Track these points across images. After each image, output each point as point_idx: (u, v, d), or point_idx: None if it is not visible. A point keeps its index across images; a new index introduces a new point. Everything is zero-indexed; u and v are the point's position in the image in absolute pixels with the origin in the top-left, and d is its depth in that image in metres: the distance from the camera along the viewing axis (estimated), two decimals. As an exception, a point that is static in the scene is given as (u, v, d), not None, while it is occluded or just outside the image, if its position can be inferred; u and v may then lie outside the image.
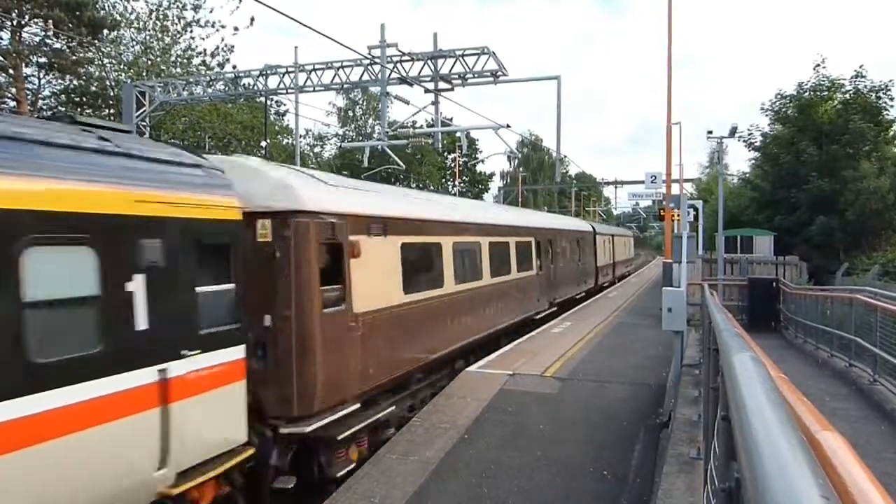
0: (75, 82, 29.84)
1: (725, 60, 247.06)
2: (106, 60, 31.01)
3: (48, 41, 27.40)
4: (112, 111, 29.94)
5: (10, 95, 26.54)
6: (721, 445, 2.74)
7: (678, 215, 16.22)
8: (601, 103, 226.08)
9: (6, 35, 26.20)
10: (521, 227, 16.74)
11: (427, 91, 18.79)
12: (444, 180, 60.47)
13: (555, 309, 19.40)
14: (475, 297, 12.57)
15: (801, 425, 2.09)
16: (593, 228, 29.11)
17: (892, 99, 32.63)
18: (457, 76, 18.20)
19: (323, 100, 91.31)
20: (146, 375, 5.13)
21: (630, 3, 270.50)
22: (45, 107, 29.60)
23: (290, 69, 20.72)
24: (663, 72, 21.80)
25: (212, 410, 5.83)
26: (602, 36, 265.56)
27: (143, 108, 21.80)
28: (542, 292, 18.10)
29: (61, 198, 4.58)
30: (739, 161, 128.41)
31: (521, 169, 73.16)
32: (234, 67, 31.90)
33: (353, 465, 7.75)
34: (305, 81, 20.34)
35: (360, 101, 58.46)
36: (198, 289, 5.79)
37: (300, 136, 44.12)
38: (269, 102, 33.15)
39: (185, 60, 33.20)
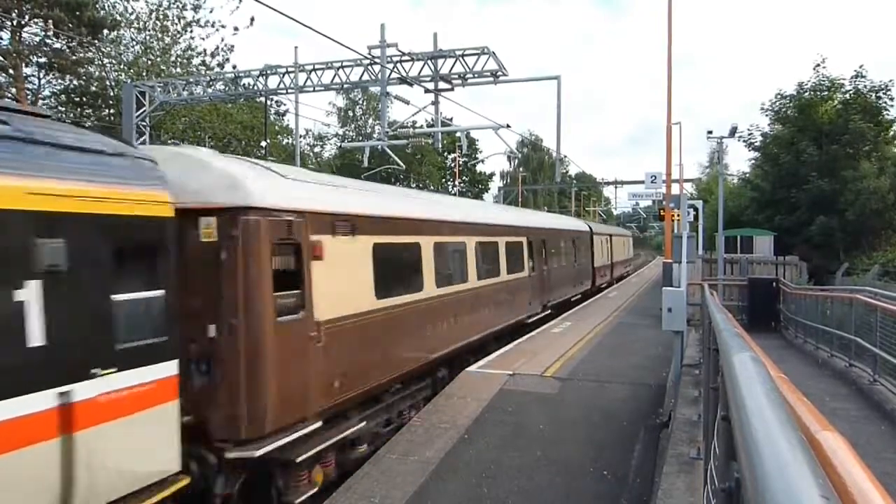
0: (75, 82, 29.87)
1: (725, 60, 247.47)
2: (106, 60, 31.05)
3: (48, 41, 27.44)
4: (112, 111, 29.97)
5: (10, 95, 26.53)
6: (721, 445, 2.74)
7: (678, 215, 16.22)
8: (601, 103, 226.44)
9: (6, 35, 26.27)
10: (511, 227, 16.00)
11: (427, 91, 18.78)
12: (444, 180, 60.48)
13: (548, 312, 18.71)
14: (459, 302, 11.73)
15: (801, 425, 2.09)
16: (590, 228, 28.64)
17: (892, 99, 32.67)
18: (457, 76, 18.20)
19: (323, 100, 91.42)
20: (42, 400, 4.38)
21: (630, 3, 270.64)
22: (44, 107, 29.60)
23: (290, 69, 20.72)
24: (663, 72, 21.81)
25: (134, 437, 5.14)
26: (602, 36, 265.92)
27: (143, 108, 21.79)
28: (534, 295, 17.29)
29: None
30: (739, 161, 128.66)
31: (521, 169, 73.19)
32: (234, 67, 31.96)
33: (316, 489, 7.10)
34: (305, 81, 20.35)
35: (360, 101, 58.49)
36: (115, 297, 5.05)
37: (300, 136, 44.19)
38: (269, 102, 33.14)
39: (185, 60, 33.24)
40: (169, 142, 27.50)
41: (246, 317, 6.20)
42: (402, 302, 9.36)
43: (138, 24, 31.86)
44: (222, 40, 36.46)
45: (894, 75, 62.29)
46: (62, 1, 25.56)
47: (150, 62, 31.71)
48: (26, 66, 27.15)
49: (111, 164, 5.29)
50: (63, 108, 30.50)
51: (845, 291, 15.65)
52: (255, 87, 22.00)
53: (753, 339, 5.28)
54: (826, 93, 33.97)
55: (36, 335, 4.40)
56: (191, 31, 32.93)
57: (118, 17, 30.38)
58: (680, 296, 10.61)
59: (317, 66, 20.01)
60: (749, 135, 36.93)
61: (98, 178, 5.04)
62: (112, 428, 4.91)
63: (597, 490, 6.73)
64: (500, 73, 17.88)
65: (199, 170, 6.45)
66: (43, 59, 27.74)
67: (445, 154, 55.98)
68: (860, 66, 36.31)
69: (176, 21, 32.46)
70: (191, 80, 23.93)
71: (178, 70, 31.66)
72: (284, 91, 21.61)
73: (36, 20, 26.77)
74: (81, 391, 4.67)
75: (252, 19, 32.79)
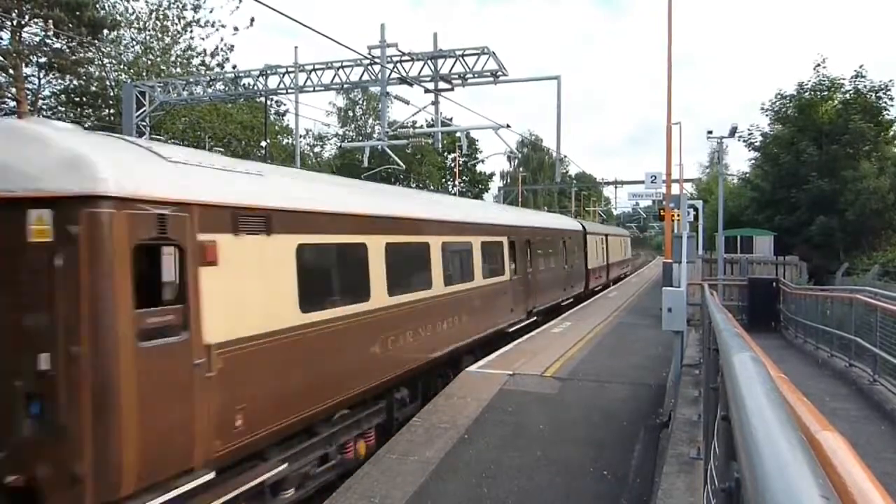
0: (75, 82, 29.88)
1: (725, 60, 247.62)
2: (106, 60, 31.07)
3: (48, 41, 27.44)
4: (112, 111, 29.99)
5: (10, 95, 26.56)
6: (721, 445, 2.74)
7: (678, 215, 16.23)
8: (601, 103, 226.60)
9: (6, 35, 26.27)
10: (488, 225, 14.28)
11: (427, 91, 18.80)
12: (444, 180, 60.51)
13: (534, 319, 17.24)
14: (420, 312, 10.11)
15: (801, 425, 2.09)
16: (583, 227, 27.32)
17: (892, 99, 32.72)
18: (457, 76, 18.22)
19: (323, 100, 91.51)
20: None
21: (630, 3, 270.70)
22: (45, 107, 29.65)
23: (290, 69, 20.74)
24: (663, 72, 21.82)
25: None
26: (602, 36, 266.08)
27: (143, 108, 21.80)
28: (517, 300, 15.70)
29: None
30: (739, 161, 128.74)
31: (521, 169, 73.27)
32: (234, 67, 31.97)
33: None
34: (305, 81, 20.36)
35: (360, 101, 58.54)
36: None
37: (300, 136, 44.22)
38: (269, 102, 33.16)
39: (184, 60, 33.26)
40: (169, 142, 27.53)
41: (92, 342, 4.74)
42: (340, 315, 7.75)
43: (138, 24, 31.92)
44: (222, 40, 36.46)
45: (894, 75, 62.41)
46: (62, 1, 25.57)
47: (150, 62, 31.74)
48: (26, 66, 27.16)
49: None
50: (63, 108, 30.54)
51: (845, 291, 15.66)
52: (255, 87, 22.01)
53: (753, 339, 5.29)
54: (826, 93, 34.01)
55: None
56: (191, 31, 32.99)
57: (118, 17, 30.41)
58: (680, 296, 10.61)
59: (317, 66, 20.03)
60: (749, 135, 37.05)
61: None
62: None
63: (597, 490, 6.73)
64: (500, 73, 17.89)
65: (32, 146, 4.98)
66: (43, 59, 27.74)
67: (445, 154, 56.00)
68: (860, 66, 36.39)
69: (176, 21, 32.51)
70: (191, 80, 23.95)
71: (178, 70, 31.69)
72: (284, 91, 21.63)
73: (36, 20, 26.78)
74: None
75: (252, 19, 32.85)
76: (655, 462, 7.18)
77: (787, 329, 20.29)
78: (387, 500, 6.50)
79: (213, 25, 32.96)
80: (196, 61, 33.36)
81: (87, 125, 26.37)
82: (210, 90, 23.21)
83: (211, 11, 49.66)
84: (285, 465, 6.77)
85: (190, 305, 5.45)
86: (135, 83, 23.45)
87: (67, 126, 5.88)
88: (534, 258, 17.74)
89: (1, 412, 4.72)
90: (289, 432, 6.87)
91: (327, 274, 7.94)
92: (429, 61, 18.23)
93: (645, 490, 6.57)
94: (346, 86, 20.90)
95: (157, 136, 26.37)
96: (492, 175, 70.49)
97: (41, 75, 29.15)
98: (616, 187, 62.07)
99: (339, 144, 56.23)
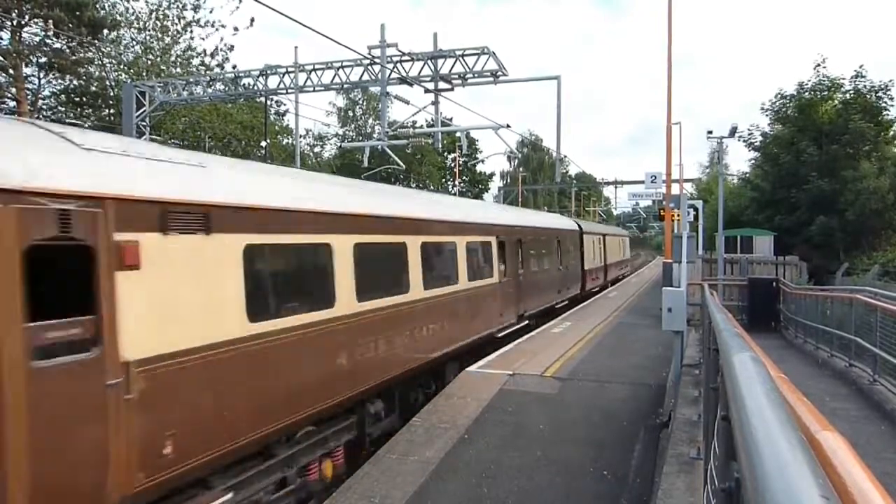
0: (75, 82, 29.89)
1: (725, 60, 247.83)
2: (106, 60, 31.08)
3: (48, 41, 27.44)
4: (112, 111, 29.99)
5: (10, 95, 26.56)
6: (721, 445, 2.74)
7: (678, 215, 16.23)
8: (601, 103, 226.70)
9: (6, 35, 26.28)
10: (474, 224, 13.33)
11: (427, 91, 18.81)
12: (444, 180, 60.54)
13: (525, 323, 16.42)
14: (396, 318, 9.30)
15: (801, 425, 2.09)
16: (579, 227, 26.58)
17: (892, 99, 32.72)
18: (457, 76, 18.23)
19: (323, 100, 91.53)
20: None
21: (630, 3, 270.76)
22: (45, 107, 29.65)
23: (290, 69, 20.75)
24: (663, 72, 21.83)
25: None
26: (602, 36, 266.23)
27: (143, 108, 21.81)
28: (506, 304, 14.88)
29: None
30: (739, 161, 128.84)
31: (521, 169, 73.30)
32: (234, 67, 32.00)
33: None
34: (305, 81, 20.37)
35: (360, 101, 58.57)
36: None
37: (300, 136, 44.23)
38: (269, 102, 33.17)
39: (184, 60, 33.29)
40: (169, 141, 27.53)
41: None
42: (298, 324, 6.92)
43: (138, 24, 31.95)
44: (222, 40, 36.49)
45: (894, 75, 62.43)
46: (62, 1, 25.58)
47: (150, 62, 31.77)
48: (26, 66, 27.17)
49: None
50: (63, 108, 30.54)
51: (845, 291, 15.66)
52: (255, 87, 22.03)
53: (753, 339, 5.28)
54: (826, 93, 34.01)
55: None
56: (190, 32, 33.05)
57: (118, 17, 30.45)
58: (680, 296, 10.62)
59: (317, 66, 20.04)
60: (749, 135, 37.04)
61: None
62: None
63: (597, 490, 6.74)
64: (500, 73, 17.90)
65: None
66: (43, 59, 27.75)
67: (445, 154, 56.02)
68: (860, 66, 36.43)
69: (176, 21, 32.56)
70: (191, 80, 23.97)
71: (178, 70, 31.71)
72: (284, 91, 21.64)
73: (36, 20, 26.78)
74: None
75: (252, 20, 32.92)
76: (655, 462, 7.18)
77: (787, 329, 20.29)
78: (387, 500, 6.50)
79: (212, 25, 33.07)
80: (196, 61, 33.43)
81: (87, 125, 26.36)
82: (210, 90, 23.23)
83: (211, 11, 49.87)
84: (230, 495, 5.89)
85: (102, 316, 4.64)
86: (135, 83, 23.47)
87: None
88: (525, 259, 16.98)
89: None
90: (236, 457, 6.10)
91: (282, 278, 7.07)
92: (429, 61, 18.24)
93: (645, 490, 6.57)
94: (346, 86, 20.91)
95: (157, 136, 26.37)
96: (492, 175, 70.63)
97: (41, 75, 29.17)
98: (616, 187, 62.20)
99: (339, 144, 56.29)
